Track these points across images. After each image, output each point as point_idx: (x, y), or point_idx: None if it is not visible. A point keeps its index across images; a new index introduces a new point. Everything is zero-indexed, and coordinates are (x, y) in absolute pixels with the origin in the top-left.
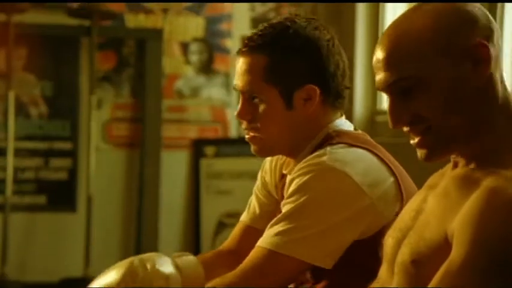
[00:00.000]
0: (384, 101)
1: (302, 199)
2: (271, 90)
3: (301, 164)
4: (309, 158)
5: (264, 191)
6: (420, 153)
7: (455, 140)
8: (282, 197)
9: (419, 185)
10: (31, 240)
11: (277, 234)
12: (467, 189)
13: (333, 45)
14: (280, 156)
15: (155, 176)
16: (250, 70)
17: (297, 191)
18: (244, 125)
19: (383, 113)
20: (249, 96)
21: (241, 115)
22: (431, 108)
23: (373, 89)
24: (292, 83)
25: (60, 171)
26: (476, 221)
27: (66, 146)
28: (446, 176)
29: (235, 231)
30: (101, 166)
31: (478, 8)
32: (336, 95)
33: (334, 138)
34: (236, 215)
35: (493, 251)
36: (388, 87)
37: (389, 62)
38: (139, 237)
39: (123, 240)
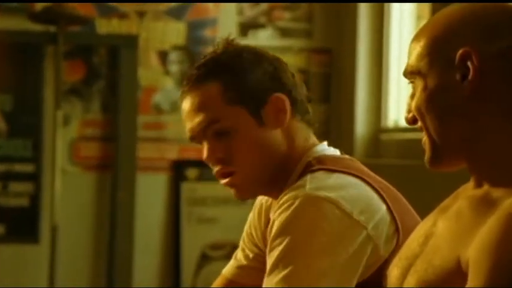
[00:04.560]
0: (389, 117)
1: (287, 240)
2: (238, 111)
3: (280, 199)
4: (288, 190)
5: (250, 245)
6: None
7: (457, 150)
8: None
9: (429, 209)
10: None
11: (279, 282)
12: (483, 212)
13: (277, 60)
14: (265, 200)
15: (129, 202)
16: (205, 102)
17: (281, 231)
18: (216, 168)
19: (389, 130)
20: (213, 133)
21: (210, 155)
22: (424, 111)
23: (377, 103)
24: (257, 97)
25: (20, 197)
26: (496, 248)
27: (27, 168)
28: (461, 197)
29: (216, 285)
30: (68, 191)
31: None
32: (301, 105)
33: (315, 165)
34: (221, 247)
35: None
36: (404, 75)
37: (413, 48)
38: (111, 272)
39: (92, 276)
